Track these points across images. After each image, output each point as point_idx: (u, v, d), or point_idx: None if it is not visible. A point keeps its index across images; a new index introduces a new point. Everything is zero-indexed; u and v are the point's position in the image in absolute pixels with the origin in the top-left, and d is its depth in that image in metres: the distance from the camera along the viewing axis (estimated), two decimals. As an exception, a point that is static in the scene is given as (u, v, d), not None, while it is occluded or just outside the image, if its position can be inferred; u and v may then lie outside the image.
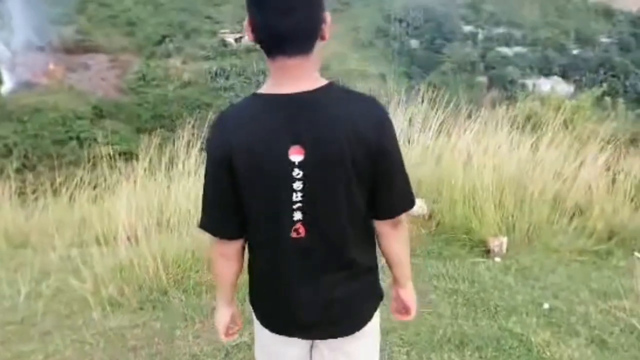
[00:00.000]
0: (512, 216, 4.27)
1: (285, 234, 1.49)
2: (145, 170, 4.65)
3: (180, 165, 4.86)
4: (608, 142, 5.15)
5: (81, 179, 5.36)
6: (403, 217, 1.60)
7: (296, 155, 1.41)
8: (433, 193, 4.60)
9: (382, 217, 1.57)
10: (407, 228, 1.67)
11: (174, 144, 4.98)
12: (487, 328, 3.14)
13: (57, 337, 3.13)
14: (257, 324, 1.70)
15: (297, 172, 1.42)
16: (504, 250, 4.04)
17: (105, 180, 4.96)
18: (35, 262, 3.80)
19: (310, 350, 1.70)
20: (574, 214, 4.45)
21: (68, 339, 3.11)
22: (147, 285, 3.52)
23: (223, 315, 1.75)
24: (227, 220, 1.55)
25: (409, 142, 5.10)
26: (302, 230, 1.48)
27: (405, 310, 1.78)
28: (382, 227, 1.59)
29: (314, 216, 1.47)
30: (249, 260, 1.65)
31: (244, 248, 1.63)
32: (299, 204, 1.46)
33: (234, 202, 1.50)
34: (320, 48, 1.46)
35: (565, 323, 3.21)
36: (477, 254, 4.05)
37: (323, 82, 1.46)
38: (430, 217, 4.44)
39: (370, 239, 1.63)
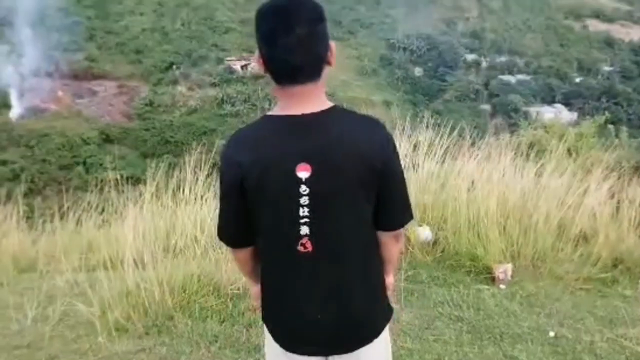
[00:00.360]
0: (517, 243, 4.28)
1: (292, 249, 1.56)
2: (152, 195, 4.69)
3: (186, 191, 4.90)
4: (612, 170, 5.16)
5: (88, 203, 5.41)
6: (403, 230, 1.72)
7: (303, 172, 1.49)
8: (438, 219, 4.61)
9: (387, 229, 1.67)
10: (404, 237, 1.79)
11: (180, 170, 5.03)
12: (493, 355, 3.14)
13: (64, 361, 3.13)
14: (268, 339, 1.74)
15: (304, 189, 1.50)
16: (509, 277, 4.04)
17: (112, 204, 5.00)
18: (42, 286, 3.81)
19: None
20: (578, 242, 4.44)
21: (74, 363, 3.12)
22: (153, 310, 3.52)
23: (256, 290, 1.82)
24: (239, 232, 1.65)
25: (414, 168, 5.13)
26: (308, 245, 1.55)
27: None
28: (385, 238, 1.69)
29: (320, 231, 1.54)
30: (261, 275, 1.71)
31: (256, 252, 1.71)
32: (305, 219, 1.53)
33: (245, 217, 1.60)
34: (327, 73, 1.56)
35: (571, 351, 3.20)
36: (482, 280, 4.05)
37: (329, 104, 1.55)
38: (435, 243, 4.45)
39: (377, 251, 1.70)
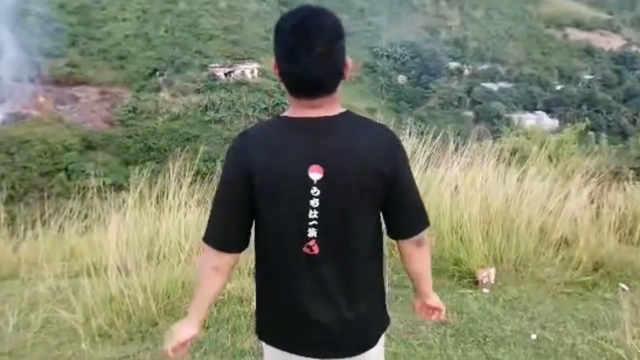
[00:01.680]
0: (500, 248, 4.32)
1: (297, 251, 1.54)
2: (135, 201, 4.65)
3: (170, 197, 4.88)
4: (592, 176, 5.24)
5: (70, 210, 5.36)
6: (426, 236, 1.68)
7: (315, 174, 1.49)
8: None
9: (406, 236, 1.65)
10: (429, 246, 1.76)
11: (163, 176, 5.00)
12: (476, 358, 3.17)
13: (46, 369, 3.10)
14: (266, 349, 1.73)
15: (314, 190, 1.50)
16: (492, 281, 4.08)
17: (94, 211, 4.95)
18: (24, 293, 3.77)
19: None
20: (560, 246, 4.50)
21: (56, 370, 3.09)
22: (136, 316, 3.50)
23: (186, 331, 1.72)
24: (233, 234, 1.60)
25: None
26: (315, 248, 1.54)
27: (436, 310, 1.90)
28: (407, 246, 1.68)
29: (328, 234, 1.53)
30: (258, 279, 1.69)
31: (234, 264, 1.68)
32: (314, 222, 1.52)
33: (244, 218, 1.57)
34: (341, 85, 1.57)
35: (553, 354, 3.24)
36: (465, 285, 4.09)
37: (341, 110, 1.56)
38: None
39: (380, 261, 1.69)
